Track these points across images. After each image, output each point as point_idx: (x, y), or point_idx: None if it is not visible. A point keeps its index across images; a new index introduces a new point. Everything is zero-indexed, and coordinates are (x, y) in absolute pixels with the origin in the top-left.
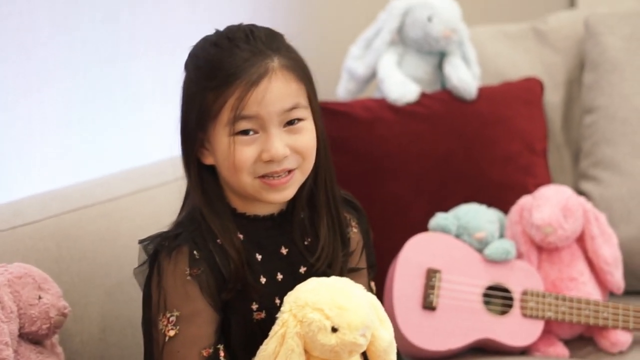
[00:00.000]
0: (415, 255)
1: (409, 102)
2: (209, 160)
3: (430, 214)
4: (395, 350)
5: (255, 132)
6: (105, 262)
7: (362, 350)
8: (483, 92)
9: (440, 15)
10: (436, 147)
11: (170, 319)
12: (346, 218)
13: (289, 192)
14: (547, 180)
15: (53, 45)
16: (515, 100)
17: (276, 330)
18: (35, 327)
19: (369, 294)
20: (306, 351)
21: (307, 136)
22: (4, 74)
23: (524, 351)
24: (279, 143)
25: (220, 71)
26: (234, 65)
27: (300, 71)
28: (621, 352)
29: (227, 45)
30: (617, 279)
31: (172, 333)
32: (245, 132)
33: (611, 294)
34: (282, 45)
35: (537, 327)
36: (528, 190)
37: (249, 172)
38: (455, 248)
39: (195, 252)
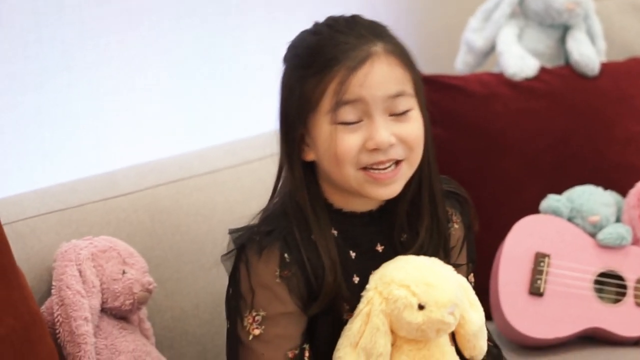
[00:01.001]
0: (523, 238)
1: (527, 77)
2: (309, 157)
3: (544, 195)
4: (485, 336)
5: (359, 121)
6: (199, 236)
7: (450, 330)
8: (606, 68)
9: None
10: (553, 126)
11: (256, 318)
12: (447, 212)
13: (395, 187)
14: None
15: (160, 15)
16: None
17: (361, 308)
18: (118, 303)
19: (459, 275)
20: (392, 332)
21: (414, 125)
22: (110, 44)
23: (637, 342)
24: (384, 130)
25: (319, 56)
26: (334, 50)
27: (406, 58)
28: None
29: (327, 32)
30: None
31: (257, 332)
32: (348, 122)
33: None
34: (385, 33)
35: None
36: None
37: (352, 162)
38: (566, 232)
39: (286, 255)
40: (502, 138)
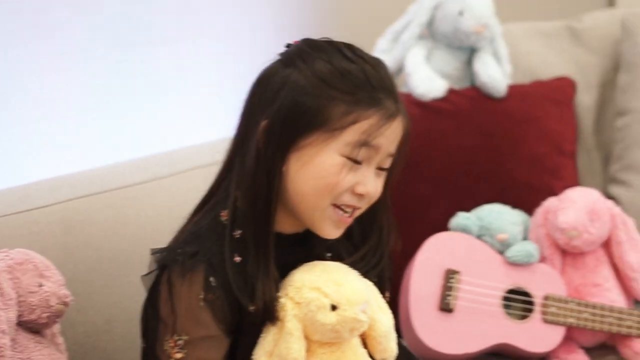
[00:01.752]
0: (434, 255)
1: (436, 97)
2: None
3: (452, 214)
4: (395, 338)
5: (361, 163)
6: (112, 251)
7: (363, 329)
8: (513, 90)
9: (471, 9)
10: (461, 145)
11: (178, 342)
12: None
13: (341, 232)
14: (574, 183)
15: (71, 28)
16: (546, 100)
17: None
18: (34, 316)
19: (365, 279)
20: (306, 337)
21: (381, 184)
22: (21, 56)
23: (543, 358)
24: (375, 182)
25: (358, 89)
26: (372, 89)
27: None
28: None
29: (359, 61)
30: None
31: (178, 356)
32: (357, 161)
33: (636, 302)
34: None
35: (558, 333)
36: (555, 192)
37: (334, 196)
38: (476, 249)
39: (211, 278)
40: (412, 157)
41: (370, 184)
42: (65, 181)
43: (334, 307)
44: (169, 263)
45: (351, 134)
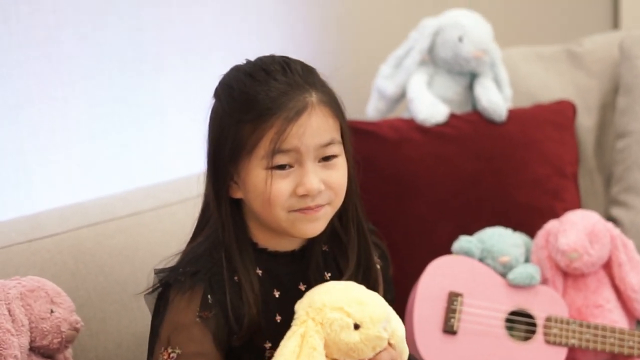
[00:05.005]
0: (437, 278)
1: (438, 122)
2: (237, 194)
3: (456, 236)
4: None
5: (291, 167)
6: (122, 277)
7: (384, 345)
8: (513, 114)
9: (470, 35)
10: (463, 169)
11: (171, 355)
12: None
13: (320, 225)
14: (576, 205)
15: (79, 57)
16: (547, 123)
17: (295, 330)
18: (46, 341)
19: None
20: (325, 355)
21: (340, 172)
22: (29, 86)
23: None
24: (315, 178)
25: (257, 104)
26: (272, 98)
27: (336, 107)
28: None
29: (263, 77)
30: None
31: None
32: (281, 167)
33: (638, 322)
34: (317, 80)
35: (560, 354)
36: (557, 214)
37: (283, 206)
38: (478, 272)
39: (209, 295)
40: (414, 181)
41: (310, 181)
42: (76, 210)
43: (357, 326)
44: (171, 281)
45: (262, 147)
